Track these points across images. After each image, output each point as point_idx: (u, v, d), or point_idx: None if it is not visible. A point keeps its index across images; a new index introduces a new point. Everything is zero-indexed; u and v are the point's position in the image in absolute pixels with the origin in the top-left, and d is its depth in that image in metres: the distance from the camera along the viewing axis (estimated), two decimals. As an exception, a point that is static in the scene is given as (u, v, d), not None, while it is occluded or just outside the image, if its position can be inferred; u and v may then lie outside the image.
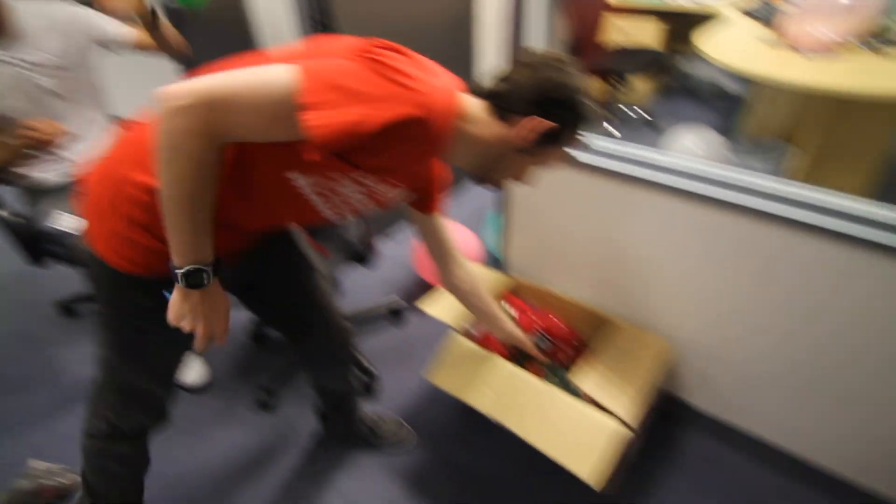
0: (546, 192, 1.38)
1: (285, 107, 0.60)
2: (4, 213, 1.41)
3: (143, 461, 1.09)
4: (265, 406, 1.53)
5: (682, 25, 2.72)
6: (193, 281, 0.70)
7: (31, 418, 1.54)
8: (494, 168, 0.81)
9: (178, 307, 0.73)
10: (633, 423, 1.06)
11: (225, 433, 1.47)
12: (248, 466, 1.38)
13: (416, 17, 1.97)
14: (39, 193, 1.45)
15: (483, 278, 1.47)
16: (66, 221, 1.39)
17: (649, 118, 2.97)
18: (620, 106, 3.05)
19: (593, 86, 3.32)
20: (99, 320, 0.87)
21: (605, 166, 1.21)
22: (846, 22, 1.76)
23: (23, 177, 1.40)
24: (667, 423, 1.42)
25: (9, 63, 1.28)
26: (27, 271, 1.88)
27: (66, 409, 1.55)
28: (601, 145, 1.22)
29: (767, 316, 1.13)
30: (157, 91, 0.61)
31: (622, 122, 3.01)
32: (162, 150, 0.62)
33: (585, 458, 1.03)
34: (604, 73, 2.73)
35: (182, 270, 0.69)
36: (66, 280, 2.07)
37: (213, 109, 0.60)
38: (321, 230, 1.49)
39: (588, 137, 0.86)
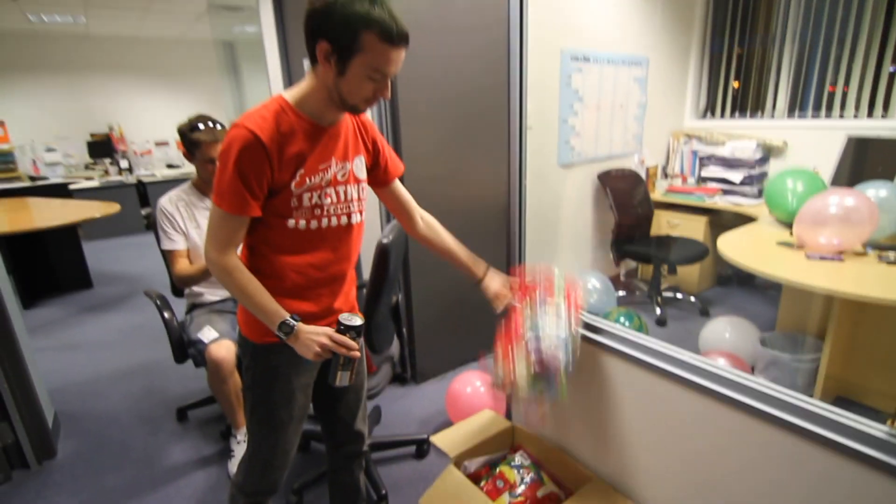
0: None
1: (218, 214, 1.01)
2: (167, 316, 1.92)
3: None
4: (291, 507, 1.79)
5: (724, 223, 3.03)
6: (286, 330, 1.03)
7: (120, 486, 1.94)
8: (341, 99, 0.99)
9: (300, 349, 1.05)
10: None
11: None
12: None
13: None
14: (197, 306, 2.04)
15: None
16: (208, 333, 1.88)
17: (697, 304, 3.14)
18: (667, 291, 3.28)
19: (645, 269, 3.62)
20: (244, 389, 1.20)
21: (609, 345, 1.40)
22: (846, 231, 1.96)
23: (197, 294, 2.01)
24: None
25: None
26: (170, 366, 2.38)
27: (148, 488, 1.93)
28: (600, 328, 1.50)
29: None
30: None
31: (668, 305, 3.21)
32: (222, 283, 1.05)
33: None
34: (648, 259, 3.05)
35: (276, 330, 1.03)
36: (194, 383, 2.61)
37: (216, 249, 1.02)
38: (374, 349, 1.69)
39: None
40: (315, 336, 1.05)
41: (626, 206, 3.17)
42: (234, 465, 1.94)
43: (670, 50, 3.40)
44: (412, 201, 1.31)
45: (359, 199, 1.16)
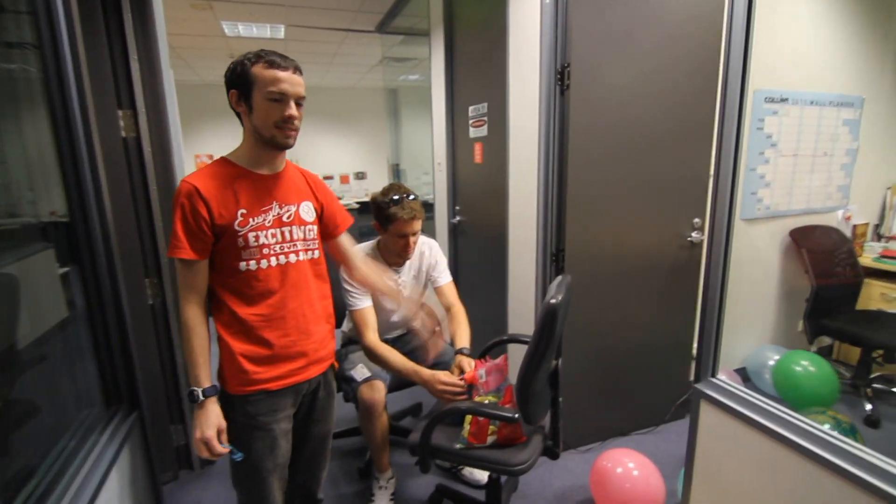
0: (730, 455, 1.36)
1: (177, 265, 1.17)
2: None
3: None
4: None
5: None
6: (191, 398, 1.13)
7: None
8: (259, 134, 1.18)
9: (195, 423, 1.15)
10: None
11: None
12: None
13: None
14: (353, 342, 2.03)
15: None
16: (361, 372, 1.85)
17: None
18: (879, 382, 2.60)
19: (844, 350, 2.96)
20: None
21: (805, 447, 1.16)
22: None
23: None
24: None
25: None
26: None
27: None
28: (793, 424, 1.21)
29: None
30: None
31: (881, 400, 2.54)
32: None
33: None
34: (856, 339, 2.47)
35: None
36: (341, 412, 2.66)
37: (181, 297, 1.16)
38: (529, 419, 1.47)
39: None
40: (203, 423, 1.13)
41: (827, 271, 2.63)
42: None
43: (892, 88, 2.82)
44: (353, 253, 1.49)
45: (305, 238, 1.26)
